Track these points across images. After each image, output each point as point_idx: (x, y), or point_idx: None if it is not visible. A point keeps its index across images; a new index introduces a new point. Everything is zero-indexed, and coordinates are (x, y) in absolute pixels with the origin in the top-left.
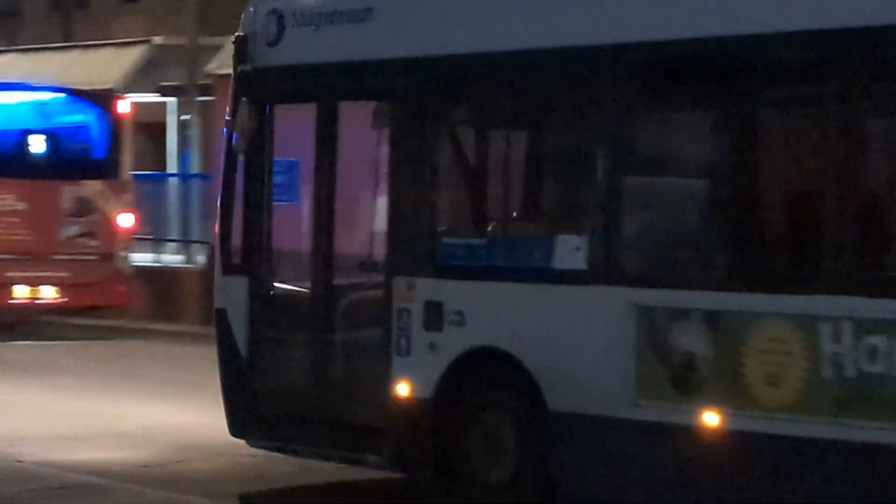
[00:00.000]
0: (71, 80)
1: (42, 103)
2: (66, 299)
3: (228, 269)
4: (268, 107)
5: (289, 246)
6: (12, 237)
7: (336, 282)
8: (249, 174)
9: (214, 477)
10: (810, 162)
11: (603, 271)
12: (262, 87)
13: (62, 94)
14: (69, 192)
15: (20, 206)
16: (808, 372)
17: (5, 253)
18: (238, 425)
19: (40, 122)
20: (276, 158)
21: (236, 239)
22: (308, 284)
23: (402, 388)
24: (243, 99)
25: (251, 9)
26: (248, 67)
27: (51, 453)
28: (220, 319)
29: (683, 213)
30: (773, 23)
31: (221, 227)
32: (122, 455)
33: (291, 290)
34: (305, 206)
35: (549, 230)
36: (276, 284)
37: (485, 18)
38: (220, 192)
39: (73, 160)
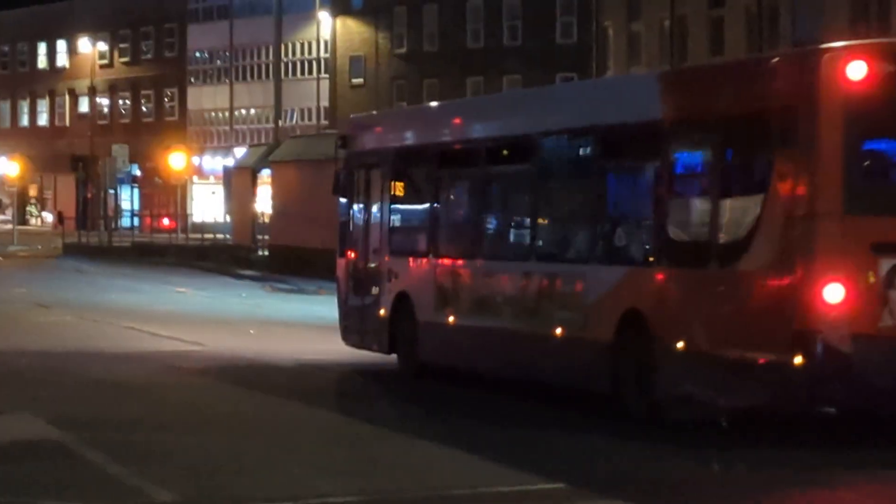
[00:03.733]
0: None
1: None
2: None
3: (339, 255)
4: (354, 172)
5: (355, 243)
6: None
7: (369, 260)
8: (347, 208)
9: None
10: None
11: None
12: (351, 162)
13: None
14: None
15: None
16: (471, 294)
17: None
18: (342, 335)
19: None
20: (360, 200)
21: (342, 240)
22: (361, 262)
23: (382, 311)
24: (344, 168)
25: (346, 121)
26: (345, 152)
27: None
28: (337, 280)
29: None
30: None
31: (339, 234)
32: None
33: (355, 263)
34: (363, 223)
35: (412, 231)
36: (351, 261)
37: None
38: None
39: None
